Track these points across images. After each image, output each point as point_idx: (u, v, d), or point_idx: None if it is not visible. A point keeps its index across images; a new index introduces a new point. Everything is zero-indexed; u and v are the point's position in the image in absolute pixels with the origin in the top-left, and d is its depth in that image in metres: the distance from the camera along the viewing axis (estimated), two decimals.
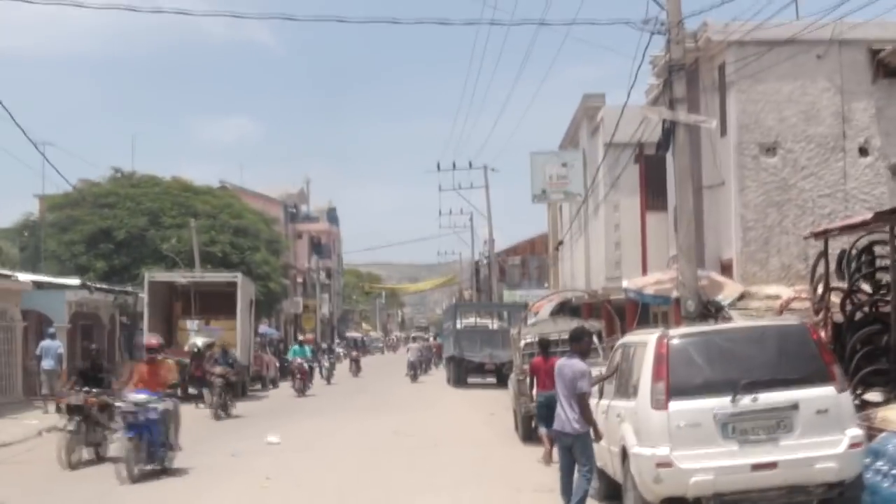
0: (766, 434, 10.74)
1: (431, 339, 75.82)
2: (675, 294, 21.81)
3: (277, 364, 45.57)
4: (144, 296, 36.42)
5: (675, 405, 10.75)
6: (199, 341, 35.21)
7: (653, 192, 30.98)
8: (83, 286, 35.30)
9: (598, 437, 12.03)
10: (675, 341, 11.16)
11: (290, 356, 40.69)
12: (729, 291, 21.56)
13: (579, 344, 12.56)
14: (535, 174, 34.40)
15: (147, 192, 51.88)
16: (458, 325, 45.34)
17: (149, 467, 17.26)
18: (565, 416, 12.13)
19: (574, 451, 12.11)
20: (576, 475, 12.10)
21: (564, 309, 39.41)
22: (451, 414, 29.32)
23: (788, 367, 11.03)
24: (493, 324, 47.85)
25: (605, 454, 12.71)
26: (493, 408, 29.91)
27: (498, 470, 17.47)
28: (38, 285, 35.31)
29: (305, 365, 39.59)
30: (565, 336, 23.50)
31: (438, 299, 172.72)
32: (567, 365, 12.28)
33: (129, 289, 40.01)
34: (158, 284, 37.47)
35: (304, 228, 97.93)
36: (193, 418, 30.57)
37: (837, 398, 10.86)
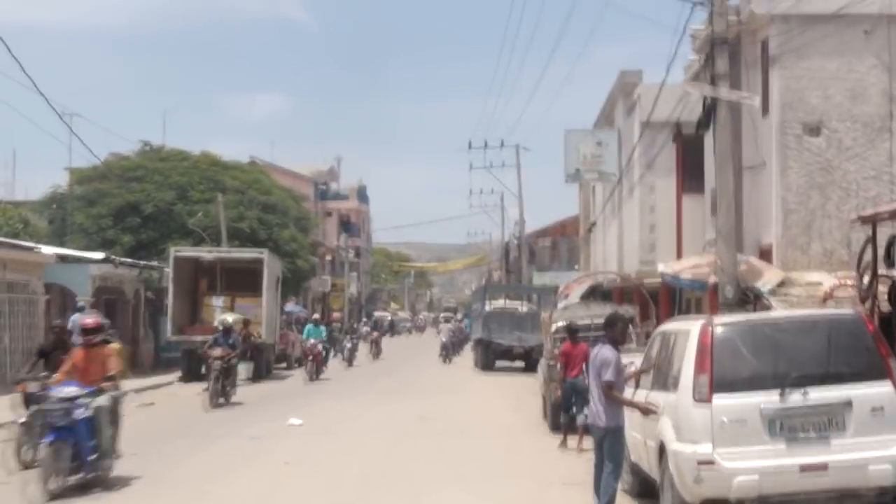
0: (817, 433, 9.93)
1: (452, 321, 75.03)
2: (712, 279, 21.04)
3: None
4: (169, 271, 35.84)
5: (719, 399, 9.95)
6: (230, 317, 34.55)
7: (689, 174, 30.13)
8: (107, 260, 34.75)
9: (644, 410, 11.22)
10: (721, 330, 10.35)
11: (303, 337, 37.33)
12: (769, 278, 20.76)
13: (613, 330, 11.72)
14: (568, 153, 33.58)
15: (175, 166, 51.23)
16: (487, 308, 44.55)
17: (73, 479, 13.67)
18: (595, 408, 11.38)
19: (603, 447, 11.37)
20: (604, 473, 11.33)
21: (595, 293, 38.74)
22: (479, 399, 28.61)
23: (842, 361, 10.20)
24: (523, 307, 47.07)
25: (640, 449, 11.94)
26: (521, 394, 29.22)
27: (526, 461, 16.76)
28: (62, 258, 34.91)
29: (319, 346, 36.19)
30: (598, 321, 22.84)
31: (467, 280, 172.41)
32: (598, 353, 11.53)
33: (155, 264, 39.35)
34: (183, 260, 36.89)
35: (333, 206, 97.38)
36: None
37: (894, 396, 10.05)
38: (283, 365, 41.62)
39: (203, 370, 35.73)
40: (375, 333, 55.60)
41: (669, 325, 12.25)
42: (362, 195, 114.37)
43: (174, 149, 54.67)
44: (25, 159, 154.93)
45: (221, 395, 26.02)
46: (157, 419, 23.53)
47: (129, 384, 30.76)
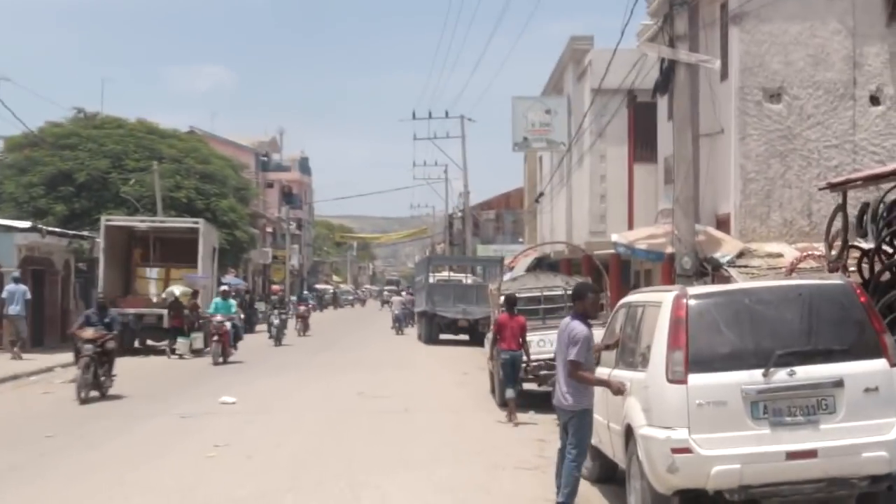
0: (805, 416, 8.79)
1: (405, 293, 73.75)
2: (669, 250, 20.14)
3: (242, 316, 43.38)
4: (100, 241, 34.33)
5: (696, 379, 8.83)
6: (177, 289, 34.18)
7: (642, 143, 29.27)
8: (33, 229, 33.19)
9: (616, 389, 9.97)
10: (696, 302, 9.21)
11: (209, 311, 31.89)
12: (727, 248, 19.89)
13: (583, 302, 10.52)
14: (516, 120, 32.49)
15: (110, 133, 49.87)
16: (431, 280, 43.42)
17: None
18: (561, 388, 10.27)
19: (568, 430, 10.27)
20: (566, 458, 10.23)
21: (542, 265, 37.85)
22: (423, 374, 27.51)
23: (831, 336, 9.09)
24: (468, 279, 46.09)
25: (601, 431, 10.82)
26: (467, 367, 28.21)
27: (475, 441, 15.67)
28: None
29: (227, 324, 30.64)
30: (549, 292, 21.84)
31: (410, 253, 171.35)
32: (565, 329, 10.40)
33: (86, 233, 37.80)
34: (116, 229, 35.43)
35: (275, 177, 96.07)
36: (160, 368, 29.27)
37: (890, 374, 8.95)
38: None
39: (135, 342, 34.58)
40: (302, 307, 50.24)
41: (636, 297, 11.14)
42: (304, 166, 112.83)
43: (109, 116, 53.17)
44: None
45: (94, 386, 20.66)
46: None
47: (57, 358, 29.81)
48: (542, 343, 18.90)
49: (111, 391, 21.33)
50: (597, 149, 29.80)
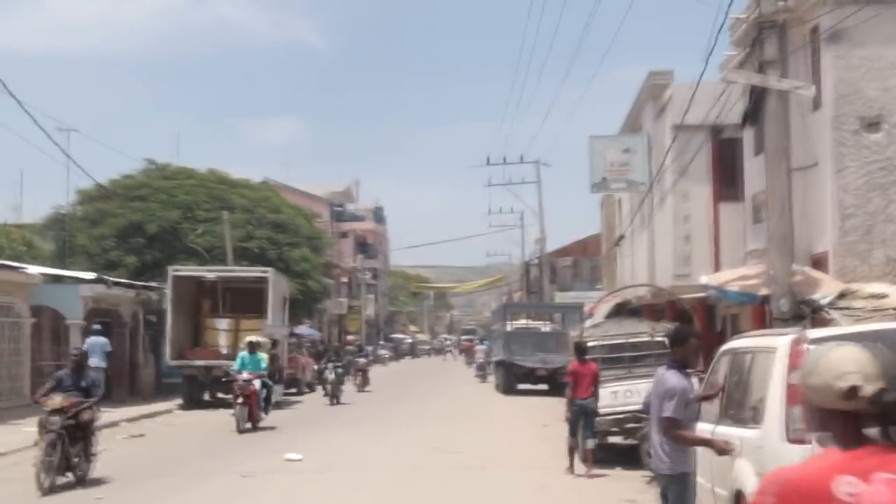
0: None
1: (478, 342, 72.33)
2: (762, 292, 18.70)
3: (315, 367, 42.32)
4: (168, 292, 33.60)
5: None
6: (256, 339, 32.42)
7: (726, 180, 27.78)
8: (99, 280, 32.53)
9: (720, 449, 8.46)
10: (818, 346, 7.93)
11: (233, 368, 27.35)
12: (826, 289, 18.37)
13: (681, 349, 9.08)
14: (594, 160, 31.14)
15: (181, 184, 49.27)
16: (508, 328, 42.13)
17: None
18: (656, 451, 8.87)
19: (668, 497, 8.91)
20: None
21: (623, 311, 36.42)
22: (500, 426, 26.23)
23: None
24: (546, 326, 44.75)
25: (705, 497, 9.46)
26: (547, 419, 26.83)
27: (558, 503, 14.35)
28: (55, 279, 32.85)
29: (256, 383, 25.91)
30: (633, 339, 20.48)
31: (486, 301, 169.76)
32: (660, 379, 9.04)
33: (154, 284, 37.11)
34: (183, 280, 34.67)
35: (349, 227, 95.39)
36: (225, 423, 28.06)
37: None
38: (293, 391, 39.29)
39: (204, 395, 33.72)
40: (361, 360, 45.55)
41: (742, 342, 9.80)
42: (379, 216, 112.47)
43: (180, 167, 52.75)
44: (33, 181, 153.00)
45: (65, 468, 16.00)
46: (142, 453, 21.15)
47: (125, 412, 29.02)
48: (629, 394, 17.59)
49: (93, 474, 16.73)
50: (679, 188, 28.33)
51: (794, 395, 7.66)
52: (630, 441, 17.67)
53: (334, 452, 20.31)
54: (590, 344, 19.73)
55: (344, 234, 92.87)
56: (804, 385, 3.60)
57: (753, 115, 18.39)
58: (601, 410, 17.60)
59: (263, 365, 26.91)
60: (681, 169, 27.65)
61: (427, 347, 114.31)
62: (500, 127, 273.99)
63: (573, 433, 17.16)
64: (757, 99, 17.88)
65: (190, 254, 44.66)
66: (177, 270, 34.69)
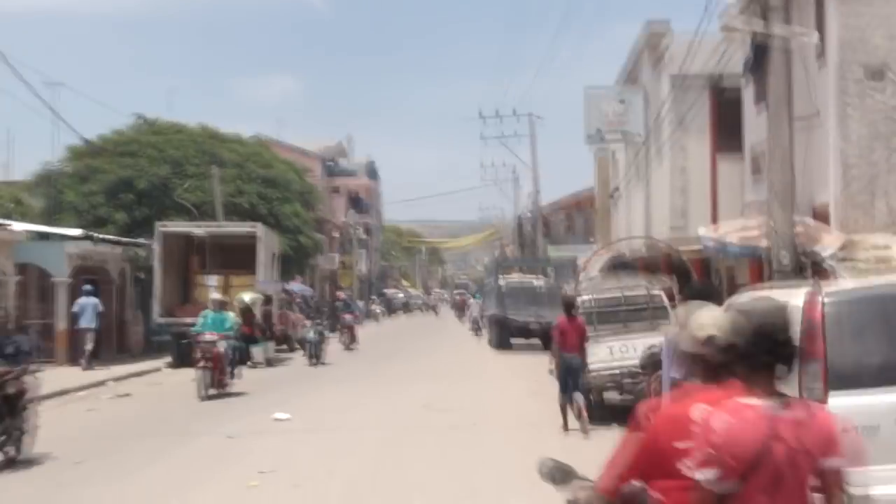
0: None
1: (470, 297, 71.97)
2: (763, 244, 18.20)
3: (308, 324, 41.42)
4: (156, 248, 33.02)
5: (838, 401, 7.05)
6: (247, 296, 32.40)
7: (725, 132, 27.19)
8: (86, 237, 31.94)
9: None
10: (834, 301, 7.38)
11: (195, 328, 24.38)
12: (828, 241, 17.88)
13: None
14: (589, 112, 30.52)
15: (170, 139, 48.46)
16: (501, 283, 41.62)
17: None
18: None
19: None
20: None
21: (617, 266, 35.95)
22: (493, 383, 25.77)
23: None
24: (539, 281, 44.21)
25: None
26: (541, 375, 26.34)
27: None
28: (41, 236, 32.25)
29: (222, 345, 23.22)
30: (630, 293, 20.00)
31: (480, 257, 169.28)
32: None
33: (141, 241, 36.45)
34: (172, 236, 34.11)
35: (342, 183, 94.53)
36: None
37: None
38: (284, 347, 38.82)
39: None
40: (348, 317, 43.18)
41: (749, 297, 9.28)
42: (372, 171, 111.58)
43: (170, 122, 51.96)
44: (23, 139, 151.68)
45: None
46: (128, 414, 20.65)
47: (112, 371, 28.58)
48: (625, 350, 17.11)
49: (33, 450, 14.57)
50: (677, 140, 27.70)
51: (809, 351, 7.16)
52: (627, 397, 17.22)
53: (323, 412, 19.85)
54: (585, 298, 19.26)
55: (336, 190, 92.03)
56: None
57: (755, 63, 17.84)
58: (597, 367, 17.14)
59: (229, 325, 24.17)
60: (678, 121, 27.07)
61: (420, 302, 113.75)
62: (495, 83, 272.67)
63: (564, 390, 16.82)
64: (759, 47, 17.35)
65: (180, 210, 44.02)
66: (165, 226, 34.15)
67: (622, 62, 35.70)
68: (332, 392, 23.73)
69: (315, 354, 32.86)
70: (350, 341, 41.19)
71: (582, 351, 16.89)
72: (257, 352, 31.63)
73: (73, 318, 30.46)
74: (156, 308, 32.72)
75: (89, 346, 30.06)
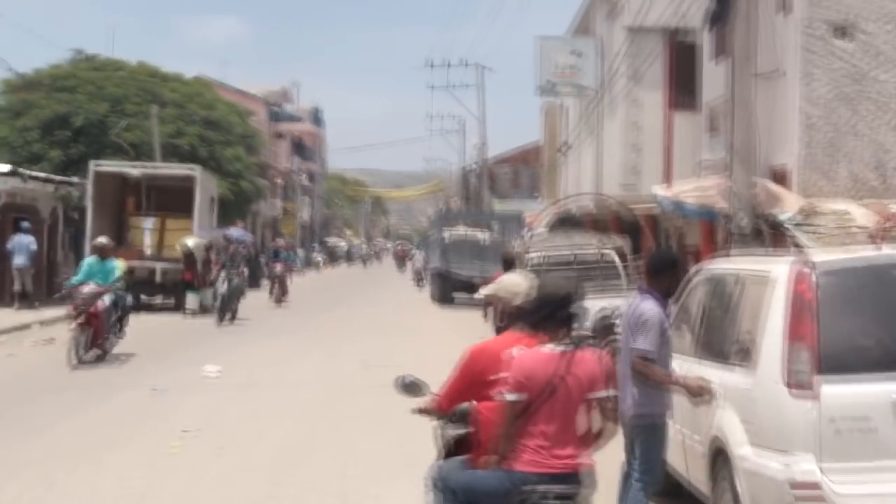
0: None
1: (415, 250, 71.13)
2: (720, 205, 17.48)
3: (247, 272, 39.66)
4: (89, 188, 31.72)
5: (830, 387, 6.27)
6: (190, 241, 31.36)
7: (681, 87, 26.44)
8: (13, 173, 30.58)
9: (695, 391, 7.45)
10: (828, 275, 6.58)
11: (73, 280, 20.73)
12: (787, 205, 17.19)
13: (667, 276, 7.74)
14: (541, 63, 29.56)
15: (110, 76, 47.07)
16: (445, 237, 40.72)
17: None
18: (624, 389, 7.48)
19: (634, 445, 7.60)
20: (631, 479, 7.56)
21: (564, 222, 35.23)
22: (434, 339, 24.91)
23: None
24: (484, 235, 43.40)
25: (674, 446, 8.15)
26: (483, 332, 25.54)
27: None
28: None
29: (105, 299, 19.54)
30: (582, 252, 19.20)
31: (424, 209, 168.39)
32: (635, 308, 7.67)
33: (75, 179, 35.02)
34: (106, 176, 32.77)
35: (286, 128, 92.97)
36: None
37: None
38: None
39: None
40: (278, 267, 38.69)
41: (727, 265, 8.47)
42: (317, 118, 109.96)
43: (109, 58, 50.38)
44: None
45: None
46: (46, 362, 19.48)
47: (41, 314, 27.44)
48: None
49: None
50: (631, 94, 26.89)
51: (797, 332, 6.34)
52: None
53: (256, 368, 18.89)
54: (533, 255, 18.40)
55: (280, 135, 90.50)
56: (495, 294, 6.88)
57: (718, 14, 17.00)
58: None
59: (117, 275, 20.40)
60: (633, 74, 26.26)
61: (363, 252, 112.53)
62: (444, 30, 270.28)
63: None
64: None
65: (117, 150, 42.68)
66: (99, 165, 32.77)
67: (574, 11, 34.75)
68: (266, 348, 22.73)
69: (223, 310, 28.08)
70: (282, 294, 37.49)
71: None
72: (192, 300, 30.68)
73: (6, 255, 29.57)
74: (87, 250, 31.43)
75: (19, 287, 29.28)
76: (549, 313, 5.85)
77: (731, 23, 16.63)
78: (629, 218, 22.63)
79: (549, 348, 5.78)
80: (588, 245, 18.89)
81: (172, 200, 33.67)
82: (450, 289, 39.02)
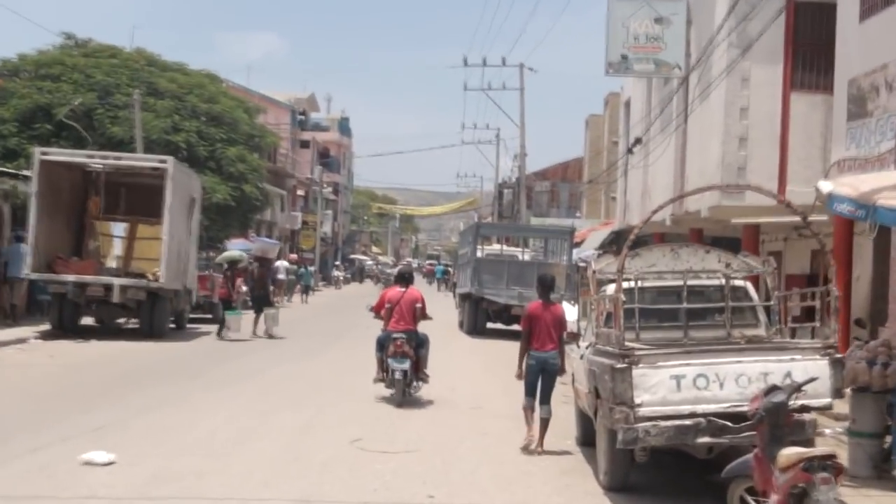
0: None
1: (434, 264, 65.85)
2: None
3: (245, 288, 32.79)
4: (34, 180, 25.05)
5: None
6: (234, 254, 30.23)
7: (805, 61, 19.87)
8: None
9: None
10: None
11: None
12: None
13: None
14: (613, 32, 22.73)
15: (100, 63, 41.46)
16: (479, 254, 33.89)
17: None
18: None
19: None
20: None
21: (620, 240, 28.96)
22: (464, 386, 18.40)
23: None
24: (525, 254, 36.88)
25: None
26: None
27: None
28: None
29: None
30: (695, 280, 12.44)
31: (455, 227, 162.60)
32: None
33: (26, 173, 28.31)
34: (58, 167, 25.88)
35: (311, 136, 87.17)
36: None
37: None
38: (210, 317, 31.39)
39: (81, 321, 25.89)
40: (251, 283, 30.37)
41: None
42: (344, 127, 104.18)
43: (103, 44, 44.46)
44: None
45: None
46: None
47: None
48: (705, 382, 9.67)
49: None
50: (738, 70, 20.02)
51: None
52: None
53: (178, 455, 12.23)
54: (625, 286, 11.51)
55: (305, 143, 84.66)
56: None
57: None
58: (655, 409, 9.65)
59: None
60: (740, 44, 19.61)
61: (387, 270, 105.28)
62: (477, 33, 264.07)
63: (531, 393, 13.14)
64: None
65: (104, 146, 36.65)
66: (46, 154, 25.52)
67: None
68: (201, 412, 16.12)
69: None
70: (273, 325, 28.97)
71: (560, 347, 13.17)
72: (234, 320, 27.43)
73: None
74: (28, 260, 24.79)
75: None
76: (397, 276, 18.51)
77: None
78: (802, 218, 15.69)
79: (400, 288, 16.95)
80: (712, 270, 11.79)
81: (146, 202, 27.18)
82: (483, 318, 32.38)
